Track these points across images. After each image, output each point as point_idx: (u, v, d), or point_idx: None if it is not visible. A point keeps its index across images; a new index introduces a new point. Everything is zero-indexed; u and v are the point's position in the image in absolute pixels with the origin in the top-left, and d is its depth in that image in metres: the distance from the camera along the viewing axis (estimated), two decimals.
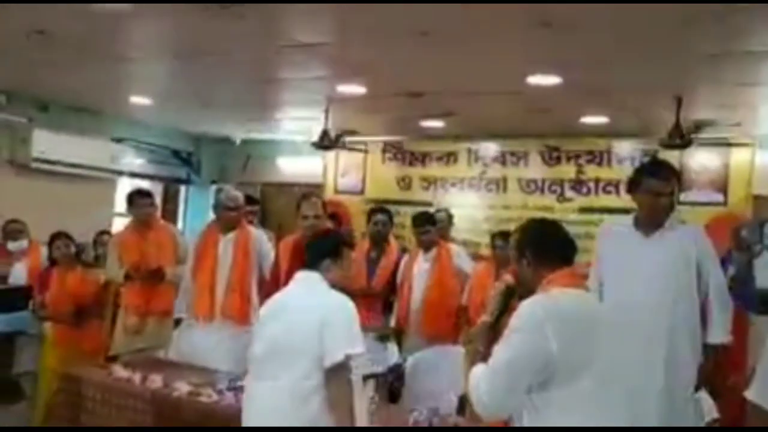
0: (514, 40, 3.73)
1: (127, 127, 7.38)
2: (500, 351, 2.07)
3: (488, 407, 2.08)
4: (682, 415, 3.12)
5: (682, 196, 5.95)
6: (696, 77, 4.35)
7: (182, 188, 8.63)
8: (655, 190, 3.13)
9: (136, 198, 4.78)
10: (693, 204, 5.80)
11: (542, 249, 2.25)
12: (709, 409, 3.36)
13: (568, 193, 6.41)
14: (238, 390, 3.39)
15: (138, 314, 4.55)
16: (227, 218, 4.23)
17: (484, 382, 2.07)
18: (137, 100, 6.13)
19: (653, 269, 3.14)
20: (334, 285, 2.70)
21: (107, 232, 5.47)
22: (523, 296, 2.25)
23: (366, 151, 7.37)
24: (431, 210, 5.79)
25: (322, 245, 2.80)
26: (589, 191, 6.30)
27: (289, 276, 3.94)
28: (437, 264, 4.77)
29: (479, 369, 2.13)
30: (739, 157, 5.82)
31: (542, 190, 6.54)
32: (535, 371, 2.01)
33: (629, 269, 3.19)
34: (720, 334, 3.11)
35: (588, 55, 3.92)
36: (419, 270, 4.79)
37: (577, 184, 6.40)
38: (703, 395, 3.46)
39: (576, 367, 2.02)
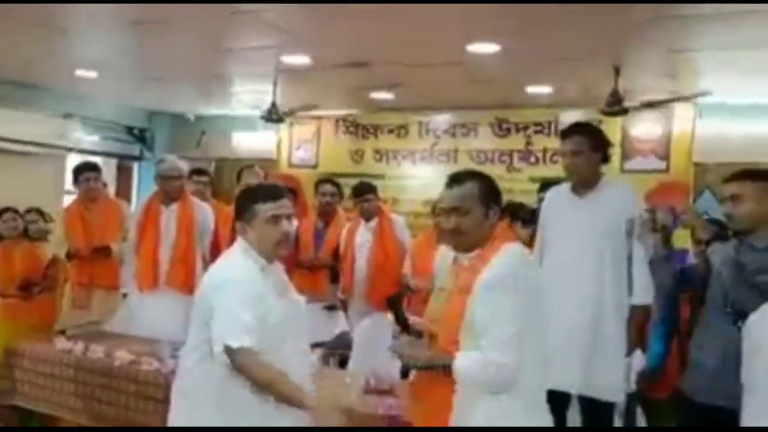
0: (453, 8, 3.77)
1: (77, 103, 7.27)
2: (501, 324, 2.01)
3: (512, 378, 2.03)
4: (608, 377, 3.16)
5: (626, 164, 6.14)
6: (632, 43, 4.45)
7: (136, 165, 8.55)
8: (561, 150, 3.26)
9: (80, 172, 4.74)
10: (636, 172, 5.95)
11: (500, 201, 2.24)
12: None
13: (518, 164, 6.52)
14: (180, 358, 3.44)
15: (83, 289, 4.54)
16: (169, 188, 4.22)
17: (495, 365, 2.00)
18: (83, 73, 6.05)
19: (585, 229, 3.20)
20: (261, 251, 2.38)
21: (35, 210, 5.37)
22: (464, 250, 2.21)
23: (320, 119, 7.38)
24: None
25: (236, 206, 2.47)
26: (537, 161, 6.41)
27: (229, 245, 4.01)
28: (379, 233, 4.81)
29: (475, 358, 2.03)
30: (680, 124, 5.96)
31: (492, 161, 6.63)
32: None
33: (564, 231, 3.27)
34: (641, 294, 3.18)
35: (525, 22, 3.98)
36: (361, 239, 4.82)
37: (526, 155, 6.51)
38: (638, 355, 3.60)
39: (529, 328, 2.05)
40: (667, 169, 5.98)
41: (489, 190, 2.21)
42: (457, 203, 2.16)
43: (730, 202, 2.73)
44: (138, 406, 3.32)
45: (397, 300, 2.33)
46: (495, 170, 6.56)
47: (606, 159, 3.33)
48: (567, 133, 3.29)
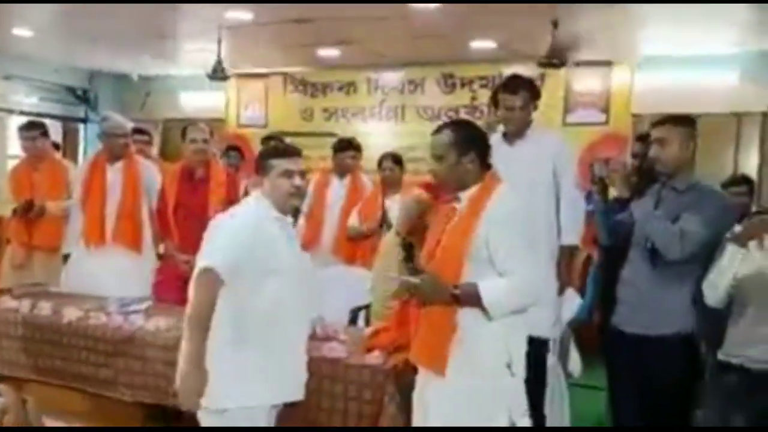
0: None
1: (17, 64, 7.09)
2: (520, 252, 2.31)
3: (536, 299, 2.40)
4: (540, 315, 3.31)
5: (568, 118, 6.29)
6: None
7: (81, 127, 8.40)
8: (508, 104, 3.32)
9: (22, 131, 4.68)
10: (578, 125, 6.12)
11: (485, 147, 2.46)
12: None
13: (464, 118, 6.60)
14: (129, 313, 3.48)
15: (22, 249, 4.52)
16: (114, 146, 4.21)
17: (522, 290, 2.32)
18: (19, 32, 5.89)
19: (517, 175, 3.25)
20: (274, 202, 2.57)
21: None
22: (450, 191, 2.47)
23: (267, 78, 7.34)
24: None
25: (256, 162, 2.69)
26: (482, 115, 6.48)
27: (179, 202, 4.04)
28: (354, 190, 4.90)
29: (501, 287, 2.29)
30: (619, 78, 6.12)
31: (439, 117, 6.69)
32: None
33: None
34: (567, 235, 3.34)
35: None
36: (335, 196, 4.91)
37: (472, 110, 6.60)
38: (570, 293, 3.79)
39: None
40: (607, 122, 6.15)
41: (463, 138, 2.42)
42: (432, 150, 2.45)
43: (658, 146, 2.86)
44: (88, 360, 3.37)
45: (411, 244, 2.48)
46: None
47: (536, 107, 3.49)
48: (515, 87, 3.38)
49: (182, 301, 3.48)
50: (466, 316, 2.35)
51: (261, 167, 2.63)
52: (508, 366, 2.36)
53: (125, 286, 3.84)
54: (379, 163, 4.79)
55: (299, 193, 2.65)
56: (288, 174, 2.58)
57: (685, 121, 2.91)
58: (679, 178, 2.88)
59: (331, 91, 7.20)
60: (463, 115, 6.62)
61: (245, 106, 7.61)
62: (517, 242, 2.34)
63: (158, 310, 3.52)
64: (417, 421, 2.54)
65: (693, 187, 2.88)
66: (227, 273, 2.42)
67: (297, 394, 2.62)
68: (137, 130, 5.04)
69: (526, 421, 2.41)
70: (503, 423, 2.37)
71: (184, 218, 4.01)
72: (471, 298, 2.30)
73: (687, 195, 2.85)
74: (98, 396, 3.35)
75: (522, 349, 2.42)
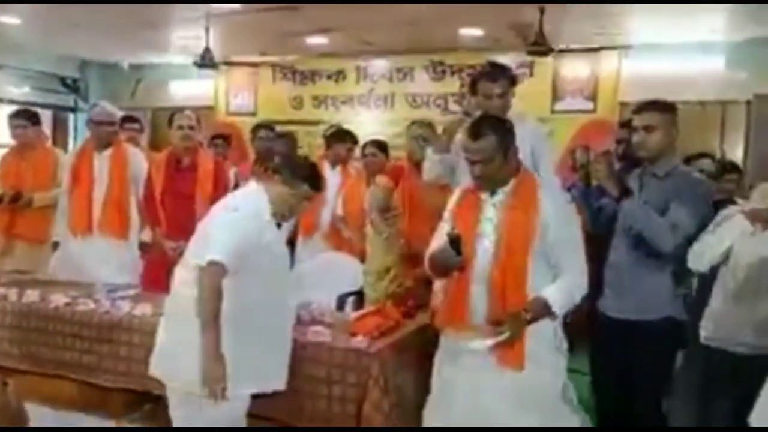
0: None
1: (6, 53, 7.06)
2: (574, 250, 2.56)
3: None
4: None
5: (556, 106, 6.32)
6: None
7: (71, 116, 8.38)
8: (488, 92, 3.28)
9: (11, 119, 4.68)
10: (565, 112, 6.15)
11: (514, 139, 2.61)
12: None
13: (452, 107, 6.62)
14: (116, 299, 3.51)
15: (4, 236, 4.53)
16: (101, 133, 4.22)
17: (580, 289, 2.58)
18: (5, 19, 5.87)
19: None
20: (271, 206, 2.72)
21: None
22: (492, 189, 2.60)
23: (257, 66, 7.34)
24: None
25: (290, 164, 2.89)
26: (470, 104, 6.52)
27: (165, 190, 4.06)
28: (348, 178, 4.93)
29: (563, 289, 2.54)
30: (606, 66, 6.15)
31: (428, 105, 6.74)
32: None
33: None
34: None
35: None
36: (329, 182, 4.93)
37: (461, 98, 6.60)
38: None
39: None
40: (594, 110, 6.18)
41: (505, 137, 2.55)
42: (481, 155, 2.53)
43: (643, 132, 2.87)
44: (74, 346, 3.39)
45: (458, 236, 2.51)
46: (430, 114, 6.68)
47: (513, 95, 3.44)
48: (496, 75, 3.35)
49: (169, 288, 3.56)
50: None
51: (292, 174, 2.72)
52: (557, 349, 2.62)
53: (112, 274, 3.87)
54: (363, 150, 4.83)
55: (293, 218, 2.95)
56: (303, 200, 2.77)
57: (668, 108, 2.93)
58: (660, 164, 2.91)
59: (320, 79, 7.20)
60: (452, 103, 6.65)
61: (234, 95, 7.61)
62: (572, 238, 2.56)
63: (145, 297, 3.55)
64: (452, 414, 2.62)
65: (673, 172, 2.92)
66: (233, 266, 2.53)
67: (280, 384, 2.77)
68: (128, 118, 5.06)
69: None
70: (568, 405, 2.66)
71: (171, 206, 4.04)
72: (543, 312, 2.50)
73: (668, 181, 2.89)
74: (85, 383, 3.36)
75: (560, 329, 2.65)
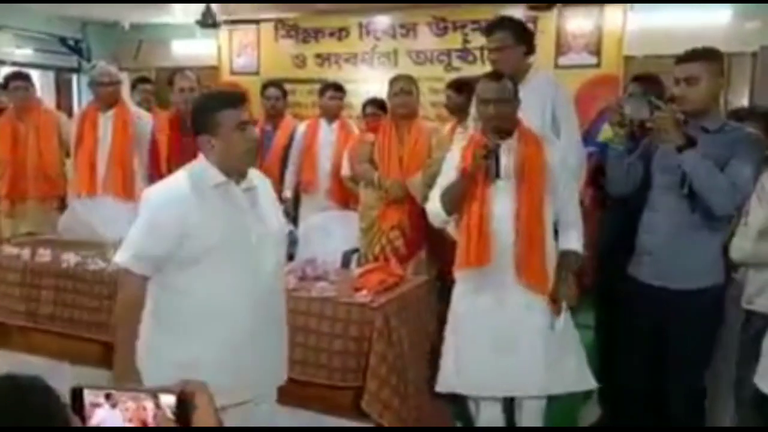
0: None
1: (5, 14, 7.02)
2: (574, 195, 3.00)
3: None
4: None
5: (560, 60, 6.27)
6: None
7: (74, 77, 8.37)
8: (489, 46, 3.34)
9: (8, 81, 4.71)
10: (569, 67, 6.10)
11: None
12: None
13: (456, 63, 6.58)
14: None
15: (15, 199, 4.59)
16: (104, 94, 4.25)
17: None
18: None
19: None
20: (227, 164, 2.24)
21: None
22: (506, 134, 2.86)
23: (259, 24, 7.29)
24: None
25: (195, 118, 2.31)
26: (474, 59, 6.47)
27: (170, 153, 4.09)
28: (343, 133, 4.97)
29: (574, 237, 2.94)
30: (610, 19, 6.08)
31: (431, 61, 6.69)
32: None
33: None
34: None
35: None
36: (325, 138, 4.99)
37: (464, 53, 6.58)
38: None
39: None
40: (598, 64, 6.13)
41: (513, 84, 2.91)
42: (501, 95, 2.82)
43: (685, 84, 2.70)
44: (84, 304, 3.48)
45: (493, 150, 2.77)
46: (434, 70, 6.66)
47: (531, 51, 3.41)
48: (490, 29, 3.38)
49: None
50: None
51: (205, 123, 2.23)
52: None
53: (120, 233, 3.92)
54: (363, 109, 4.86)
55: (255, 146, 2.34)
56: (242, 126, 2.23)
57: (712, 55, 2.75)
58: (709, 117, 2.75)
59: (323, 36, 7.15)
60: (455, 59, 6.61)
61: (237, 54, 7.57)
62: (573, 190, 2.95)
63: None
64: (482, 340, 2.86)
65: (726, 126, 2.77)
66: (147, 268, 2.21)
67: (262, 389, 2.38)
68: (141, 79, 5.11)
69: None
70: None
71: (177, 167, 4.06)
72: (576, 263, 2.88)
73: (721, 135, 2.72)
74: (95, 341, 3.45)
75: None
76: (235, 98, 2.30)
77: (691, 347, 2.79)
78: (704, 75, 2.69)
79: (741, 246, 2.60)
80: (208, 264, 2.19)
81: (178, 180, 2.28)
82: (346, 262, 4.18)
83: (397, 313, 3.00)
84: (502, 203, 2.79)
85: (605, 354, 3.31)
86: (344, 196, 4.82)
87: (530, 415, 2.89)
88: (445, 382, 2.94)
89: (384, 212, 4.04)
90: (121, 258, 2.24)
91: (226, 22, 6.86)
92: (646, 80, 3.70)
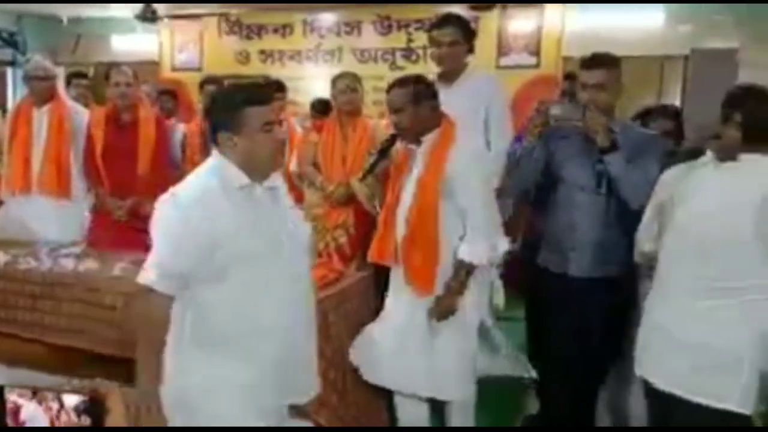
0: None
1: None
2: (488, 207, 2.87)
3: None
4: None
5: (501, 61, 6.39)
6: None
7: (9, 71, 8.12)
8: (438, 40, 3.36)
9: None
10: (510, 68, 6.22)
11: (436, 97, 2.85)
12: None
13: (400, 62, 6.64)
14: (58, 257, 3.49)
15: None
16: (38, 89, 4.12)
17: (493, 246, 2.90)
18: None
19: (452, 115, 3.37)
20: (251, 166, 2.05)
21: None
22: (411, 141, 2.87)
23: (201, 19, 7.20)
24: None
25: (216, 113, 2.07)
26: (418, 59, 6.55)
27: (106, 148, 4.01)
28: (288, 131, 4.93)
29: (476, 243, 2.81)
30: (550, 20, 6.22)
31: (375, 60, 6.73)
32: None
33: None
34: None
35: None
36: None
37: (408, 52, 6.64)
38: None
39: None
40: (538, 65, 6.27)
41: (420, 93, 2.78)
42: (391, 105, 2.79)
43: (593, 89, 2.77)
44: (17, 304, 3.38)
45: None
46: (378, 69, 6.70)
47: (471, 50, 3.48)
48: (440, 24, 3.40)
49: (118, 246, 3.56)
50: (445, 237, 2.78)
51: (225, 121, 2.02)
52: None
53: (55, 233, 3.84)
54: (311, 108, 4.86)
55: (282, 149, 2.20)
56: (269, 127, 2.04)
57: (615, 63, 2.85)
58: (614, 120, 2.85)
59: (267, 33, 7.11)
60: (399, 58, 6.66)
61: (179, 49, 7.46)
62: (477, 194, 2.76)
63: (90, 254, 3.54)
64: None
65: (626, 128, 2.90)
66: (175, 287, 1.99)
67: (299, 399, 2.30)
68: (76, 74, 4.97)
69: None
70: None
71: (113, 164, 3.99)
72: (461, 269, 2.80)
73: (623, 137, 2.81)
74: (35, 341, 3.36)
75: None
76: (264, 94, 2.09)
77: (609, 335, 2.92)
78: (610, 80, 2.79)
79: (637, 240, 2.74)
80: (240, 274, 1.99)
81: (204, 181, 2.02)
82: None
83: (335, 308, 3.02)
84: (404, 203, 2.86)
85: (535, 347, 3.35)
86: (297, 194, 4.79)
87: (457, 411, 2.97)
88: (363, 369, 3.02)
89: (328, 212, 4.04)
90: (146, 278, 1.98)
91: (168, 17, 6.75)
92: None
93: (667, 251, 2.35)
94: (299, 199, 4.71)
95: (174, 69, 7.48)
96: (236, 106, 2.01)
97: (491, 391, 3.09)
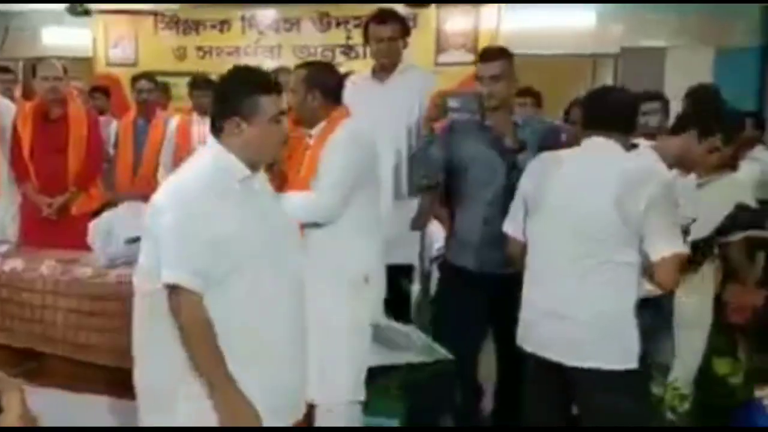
0: None
1: None
2: (328, 176, 2.65)
3: (329, 215, 2.70)
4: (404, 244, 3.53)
5: (439, 58, 6.46)
6: None
7: None
8: (378, 35, 3.37)
9: None
10: (448, 65, 6.29)
11: (332, 86, 2.73)
12: None
13: (339, 58, 6.62)
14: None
15: None
16: None
17: (315, 203, 2.66)
18: None
19: (383, 112, 3.32)
20: (251, 156, 1.99)
21: None
22: (305, 126, 2.76)
23: (137, 14, 7.06)
24: None
25: (227, 97, 1.99)
26: (357, 56, 6.56)
27: (33, 143, 3.90)
28: None
29: (303, 195, 2.67)
30: (487, 19, 6.31)
31: (315, 57, 6.68)
32: None
33: (366, 115, 3.46)
34: None
35: None
36: (198, 135, 4.86)
37: (348, 49, 6.64)
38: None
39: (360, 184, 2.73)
40: (475, 63, 6.32)
41: (312, 76, 2.68)
42: (289, 85, 2.70)
43: (491, 81, 2.83)
44: None
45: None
46: None
47: (406, 45, 3.51)
48: (383, 18, 3.42)
49: (48, 243, 3.47)
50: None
51: (237, 105, 1.94)
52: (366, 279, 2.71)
53: None
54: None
55: (284, 142, 2.21)
56: (280, 117, 2.02)
57: (510, 55, 2.93)
58: (515, 112, 2.95)
59: (205, 29, 7.00)
60: (339, 55, 6.66)
61: (114, 44, 7.26)
62: (331, 165, 2.61)
63: (18, 252, 3.44)
64: None
65: (528, 118, 3.04)
66: (203, 284, 1.87)
67: (296, 415, 2.13)
68: (1, 69, 4.81)
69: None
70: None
71: (42, 160, 3.90)
72: None
73: (529, 127, 2.93)
74: None
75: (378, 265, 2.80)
76: (276, 84, 2.04)
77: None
78: (506, 72, 2.86)
79: None
80: (243, 276, 1.91)
81: (204, 174, 1.95)
82: None
83: None
84: None
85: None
86: None
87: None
88: None
89: None
90: (170, 276, 1.86)
91: (100, 12, 6.57)
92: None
93: (539, 234, 2.48)
94: None
95: (108, 64, 7.28)
96: (250, 92, 1.94)
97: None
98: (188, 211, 1.87)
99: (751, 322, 2.80)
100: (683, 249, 2.30)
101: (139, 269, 2.05)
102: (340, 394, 2.71)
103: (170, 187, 1.96)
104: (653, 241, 2.25)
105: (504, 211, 2.71)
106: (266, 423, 1.91)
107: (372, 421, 3.00)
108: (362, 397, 2.76)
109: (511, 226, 2.63)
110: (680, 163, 2.72)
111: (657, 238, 2.25)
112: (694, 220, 2.70)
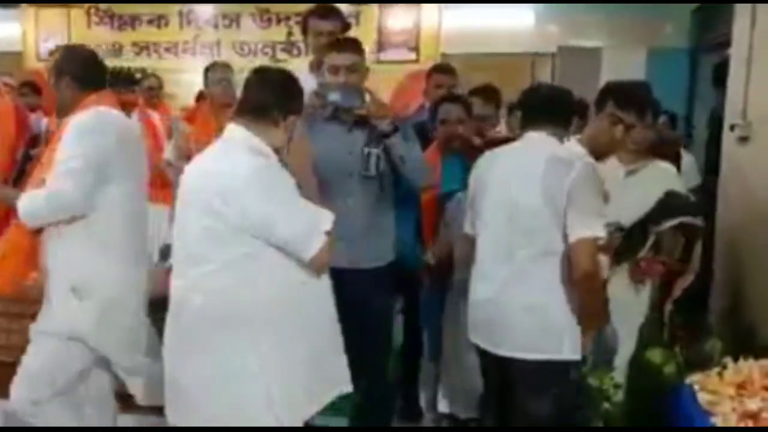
0: None
1: None
2: (66, 160, 2.47)
3: (73, 205, 2.49)
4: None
5: (381, 56, 6.47)
6: None
7: None
8: (318, 30, 3.23)
9: None
10: (390, 62, 6.31)
11: (83, 71, 2.58)
12: None
13: (280, 55, 6.57)
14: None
15: None
16: None
17: (52, 193, 2.47)
18: None
19: None
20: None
21: None
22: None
23: (69, 8, 6.83)
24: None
25: (285, 95, 2.24)
26: (299, 53, 6.49)
27: None
28: (145, 123, 4.74)
29: (33, 194, 2.50)
30: (428, 17, 6.36)
31: (255, 53, 6.64)
32: None
33: None
34: None
35: None
36: None
37: (289, 46, 6.59)
38: None
39: (112, 172, 2.60)
40: (417, 60, 6.39)
41: (60, 63, 2.61)
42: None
43: (346, 71, 2.70)
44: None
45: None
46: (259, 62, 6.57)
47: None
48: (324, 13, 3.25)
49: None
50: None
51: (287, 104, 2.22)
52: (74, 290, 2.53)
53: None
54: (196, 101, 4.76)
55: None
56: (293, 125, 2.30)
57: (362, 47, 2.83)
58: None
59: (141, 24, 6.83)
60: (280, 51, 6.60)
61: (45, 39, 7.01)
62: (64, 156, 2.41)
63: None
64: None
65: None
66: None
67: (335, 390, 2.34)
68: None
69: None
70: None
71: None
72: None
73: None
74: None
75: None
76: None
77: (384, 319, 2.93)
78: (360, 63, 2.78)
79: None
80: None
81: (251, 152, 2.15)
82: (164, 256, 4.06)
83: None
84: None
85: None
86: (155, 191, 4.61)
87: None
88: None
89: None
90: (316, 247, 2.12)
91: (29, 2, 6.33)
92: (447, 70, 4.15)
93: (481, 228, 2.55)
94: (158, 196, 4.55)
95: (39, 59, 7.02)
96: (299, 98, 2.26)
97: None
98: (270, 173, 2.16)
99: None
100: (602, 233, 2.34)
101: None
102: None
103: (240, 163, 2.10)
104: (572, 223, 2.30)
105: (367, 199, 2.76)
106: (319, 391, 2.23)
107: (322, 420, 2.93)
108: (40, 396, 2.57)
109: (468, 226, 2.66)
110: (598, 145, 2.64)
111: (576, 220, 2.30)
112: (620, 229, 2.78)
